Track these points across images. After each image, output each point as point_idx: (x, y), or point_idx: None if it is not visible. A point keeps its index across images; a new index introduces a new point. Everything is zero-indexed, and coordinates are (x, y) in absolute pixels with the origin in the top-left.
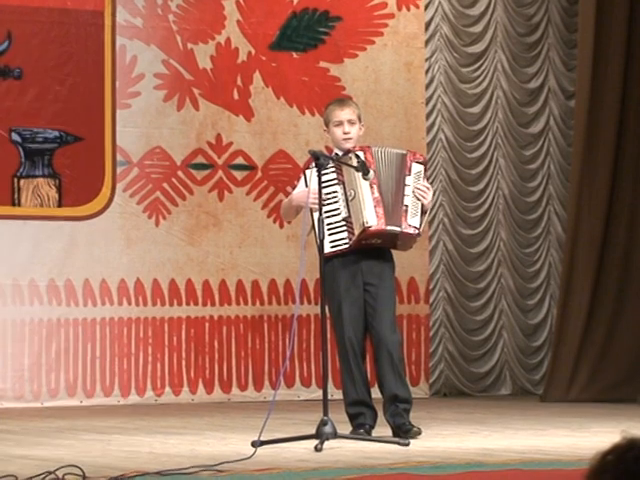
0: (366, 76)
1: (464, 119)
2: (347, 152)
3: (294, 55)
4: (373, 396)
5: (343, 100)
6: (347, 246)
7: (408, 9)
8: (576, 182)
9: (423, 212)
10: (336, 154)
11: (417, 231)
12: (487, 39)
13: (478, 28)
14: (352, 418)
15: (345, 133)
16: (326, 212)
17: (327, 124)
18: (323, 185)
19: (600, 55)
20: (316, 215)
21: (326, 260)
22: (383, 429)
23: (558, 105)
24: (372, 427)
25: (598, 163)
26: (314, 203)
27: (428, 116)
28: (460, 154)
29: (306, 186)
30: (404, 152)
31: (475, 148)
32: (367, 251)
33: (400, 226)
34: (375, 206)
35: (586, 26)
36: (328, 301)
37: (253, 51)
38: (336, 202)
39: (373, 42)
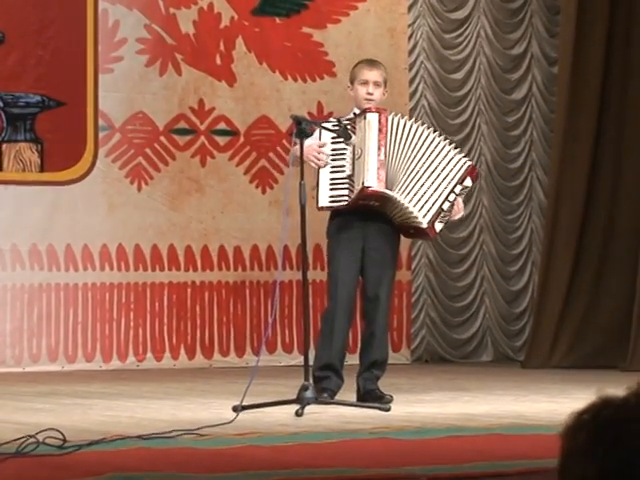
0: (349, 42)
1: (447, 85)
2: (363, 111)
3: (277, 20)
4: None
5: (373, 61)
6: (345, 203)
7: None
8: (558, 149)
9: (445, 223)
10: (354, 113)
11: (435, 236)
12: (470, 5)
13: None
14: (317, 381)
15: (369, 93)
16: (332, 167)
17: (352, 81)
18: (333, 141)
19: (583, 21)
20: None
21: (330, 218)
22: (348, 395)
23: (541, 71)
24: (335, 393)
25: (581, 129)
26: (311, 159)
27: (411, 82)
28: (443, 120)
29: (320, 140)
30: (469, 162)
31: (458, 114)
32: (372, 215)
33: (391, 190)
34: (378, 168)
35: None
36: (328, 260)
37: (236, 16)
38: (343, 159)
39: (356, 7)
